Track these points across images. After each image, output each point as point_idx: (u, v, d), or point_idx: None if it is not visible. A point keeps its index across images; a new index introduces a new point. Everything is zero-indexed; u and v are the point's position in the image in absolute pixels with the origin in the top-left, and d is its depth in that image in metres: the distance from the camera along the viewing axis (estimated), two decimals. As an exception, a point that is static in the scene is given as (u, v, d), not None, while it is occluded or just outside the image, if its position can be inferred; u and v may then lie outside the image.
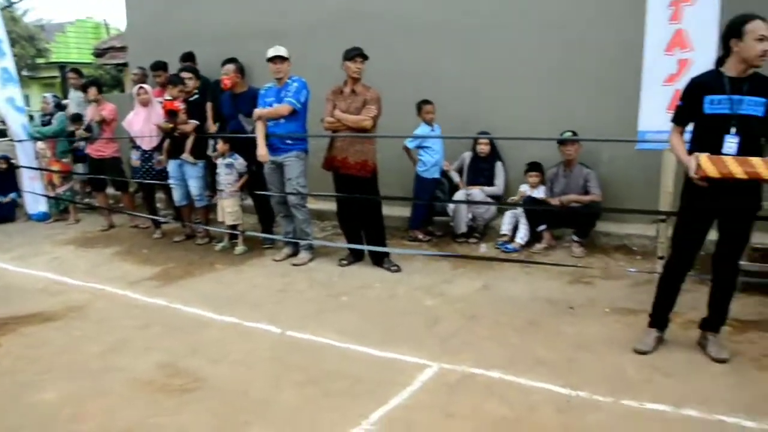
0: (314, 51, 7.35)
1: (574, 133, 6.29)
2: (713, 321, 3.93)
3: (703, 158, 3.51)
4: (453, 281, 5.54)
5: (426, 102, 6.77)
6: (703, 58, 4.63)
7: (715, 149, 3.55)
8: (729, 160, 3.48)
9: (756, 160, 3.46)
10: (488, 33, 7.02)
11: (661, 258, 4.92)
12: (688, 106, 3.74)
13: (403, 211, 7.09)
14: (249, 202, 7.06)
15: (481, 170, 6.90)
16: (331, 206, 6.62)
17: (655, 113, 4.97)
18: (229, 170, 6.60)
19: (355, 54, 5.66)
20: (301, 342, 4.33)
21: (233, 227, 6.75)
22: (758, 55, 3.49)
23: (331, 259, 6.22)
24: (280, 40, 6.22)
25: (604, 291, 5.18)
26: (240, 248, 6.68)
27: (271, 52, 5.94)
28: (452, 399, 3.45)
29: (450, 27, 7.22)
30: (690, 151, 3.67)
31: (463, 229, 6.70)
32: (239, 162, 6.61)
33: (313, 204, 6.88)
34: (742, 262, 4.29)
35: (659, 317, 4.03)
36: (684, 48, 4.93)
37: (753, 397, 3.37)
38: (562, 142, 6.29)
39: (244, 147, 6.48)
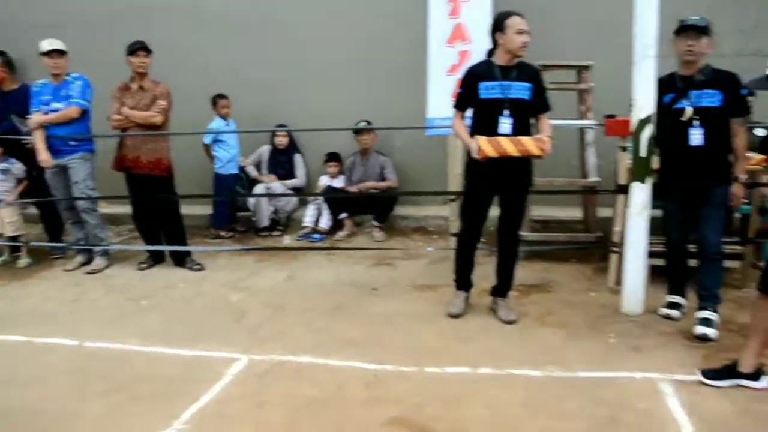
0: (96, 45, 6.85)
1: (369, 123, 6.54)
2: (501, 288, 4.34)
3: (482, 140, 3.86)
4: (258, 274, 5.53)
5: (221, 96, 6.67)
6: (479, 49, 5.02)
7: (493, 130, 3.93)
8: (504, 141, 3.87)
9: (526, 139, 3.89)
10: (283, 27, 7.04)
11: (453, 235, 5.27)
12: (467, 93, 4.09)
13: (204, 210, 6.92)
14: (33, 210, 6.49)
15: (280, 163, 6.94)
16: (125, 209, 6.28)
17: (441, 101, 5.30)
18: (4, 177, 6.01)
19: (137, 48, 5.40)
20: (103, 351, 4.07)
21: (14, 239, 6.15)
22: (519, 47, 3.93)
23: (130, 264, 5.89)
24: (57, 33, 5.76)
25: (405, 270, 5.46)
26: (24, 261, 6.11)
27: (46, 46, 5.48)
28: (263, 388, 3.46)
29: (244, 20, 7.12)
30: (472, 134, 4.02)
31: (265, 222, 6.70)
32: (16, 167, 6.04)
33: (105, 208, 6.46)
34: (523, 233, 4.76)
35: (463, 280, 4.40)
36: (464, 40, 5.33)
37: (537, 351, 3.80)
38: (357, 132, 6.53)
39: (21, 150, 5.94)
